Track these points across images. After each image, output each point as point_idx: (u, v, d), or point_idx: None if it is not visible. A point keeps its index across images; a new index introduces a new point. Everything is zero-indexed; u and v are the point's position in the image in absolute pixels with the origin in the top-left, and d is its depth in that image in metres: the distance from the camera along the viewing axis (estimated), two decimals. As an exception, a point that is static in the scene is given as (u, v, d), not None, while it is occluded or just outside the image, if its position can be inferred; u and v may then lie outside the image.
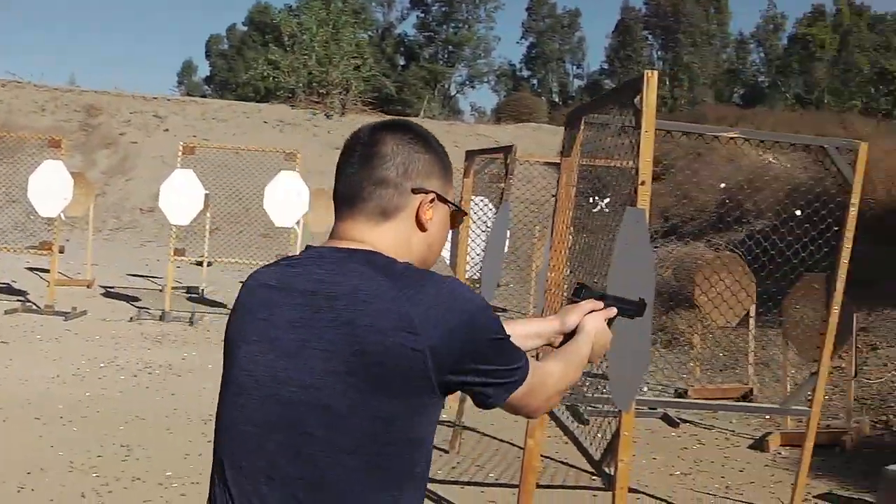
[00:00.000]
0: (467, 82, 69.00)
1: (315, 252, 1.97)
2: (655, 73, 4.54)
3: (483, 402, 1.96)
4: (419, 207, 1.99)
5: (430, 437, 1.92)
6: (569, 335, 2.32)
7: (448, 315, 1.82)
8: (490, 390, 1.93)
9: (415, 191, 1.98)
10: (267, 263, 2.07)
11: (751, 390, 9.56)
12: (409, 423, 1.84)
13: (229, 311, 2.06)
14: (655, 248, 16.27)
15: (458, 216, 2.12)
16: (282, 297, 1.91)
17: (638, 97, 4.52)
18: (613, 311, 2.40)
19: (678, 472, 7.44)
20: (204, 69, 74.79)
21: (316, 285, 1.88)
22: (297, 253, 2.04)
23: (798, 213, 9.88)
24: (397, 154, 1.98)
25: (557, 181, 6.38)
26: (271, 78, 35.64)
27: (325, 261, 1.93)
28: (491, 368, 1.90)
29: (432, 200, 2.01)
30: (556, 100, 67.14)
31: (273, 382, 1.86)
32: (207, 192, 14.08)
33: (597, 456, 5.40)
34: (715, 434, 8.66)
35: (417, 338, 1.79)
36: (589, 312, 2.36)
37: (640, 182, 4.44)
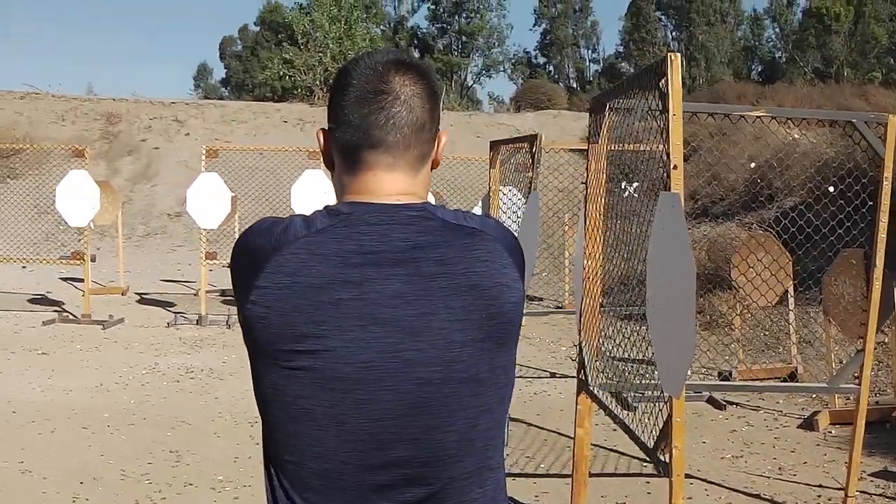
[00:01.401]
0: (483, 72, 68.93)
1: (373, 209, 1.76)
2: (679, 55, 4.51)
3: None
4: (438, 146, 1.90)
5: None
6: None
7: (521, 260, 1.85)
8: None
9: (437, 131, 1.88)
10: (295, 233, 1.74)
11: (795, 369, 9.52)
12: (513, 377, 1.85)
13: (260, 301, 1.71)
14: (688, 229, 16.19)
15: None
16: (371, 271, 1.68)
17: (663, 81, 4.49)
18: None
19: (729, 455, 7.40)
20: (219, 71, 74.90)
21: (413, 251, 1.71)
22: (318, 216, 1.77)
23: (831, 189, 9.82)
24: (428, 95, 1.84)
25: (586, 168, 6.36)
26: (287, 77, 35.66)
27: (401, 222, 1.75)
28: None
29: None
30: (574, 85, 67.07)
31: (406, 367, 1.68)
32: (233, 194, 14.08)
33: (650, 443, 5.38)
34: (763, 415, 8.60)
35: (522, 288, 1.80)
36: None
37: (672, 166, 4.41)
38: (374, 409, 1.68)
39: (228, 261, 1.92)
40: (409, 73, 1.82)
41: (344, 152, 1.83)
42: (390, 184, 1.80)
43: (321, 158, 1.93)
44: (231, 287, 1.81)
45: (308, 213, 1.78)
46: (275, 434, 1.75)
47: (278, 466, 1.75)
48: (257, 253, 1.72)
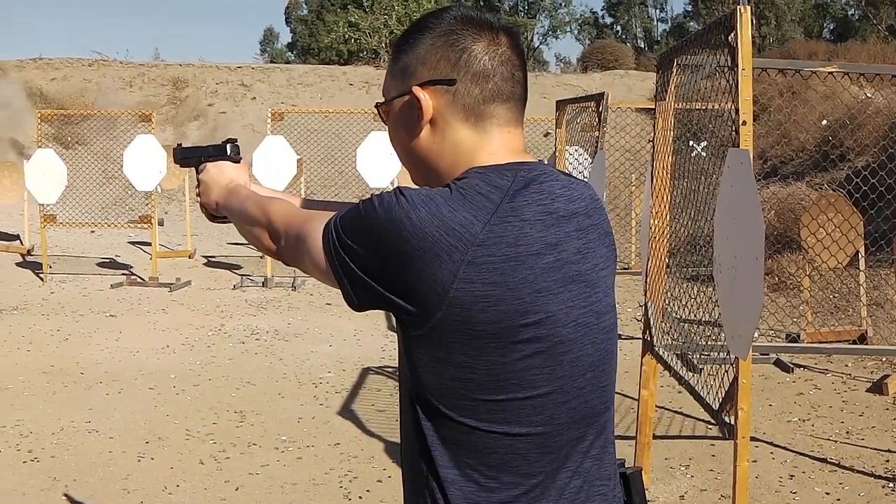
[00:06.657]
0: (550, 32, 68.28)
1: (530, 168, 1.70)
2: (748, 8, 4.38)
3: None
4: None
5: None
6: None
7: None
8: None
9: None
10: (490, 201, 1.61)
11: (865, 332, 9.34)
12: None
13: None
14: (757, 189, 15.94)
15: None
16: (559, 230, 1.66)
17: (732, 35, 4.38)
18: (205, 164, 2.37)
19: (796, 419, 7.29)
20: (285, 35, 75.09)
21: (571, 205, 1.72)
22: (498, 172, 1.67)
23: (907, 148, 9.60)
24: (522, 51, 1.84)
25: (654, 126, 6.25)
26: (353, 40, 35.63)
27: (551, 176, 1.73)
28: None
29: None
30: (642, 45, 66.22)
31: (598, 319, 1.72)
32: (299, 157, 14.09)
33: (715, 405, 5.29)
34: (831, 378, 8.45)
35: None
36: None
37: (741, 122, 4.30)
38: (582, 364, 1.70)
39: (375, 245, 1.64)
40: (509, 31, 1.80)
41: (472, 108, 1.73)
42: (521, 140, 1.78)
43: (418, 120, 1.77)
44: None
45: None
46: (474, 419, 1.63)
47: (473, 450, 1.65)
48: (460, 225, 1.57)
